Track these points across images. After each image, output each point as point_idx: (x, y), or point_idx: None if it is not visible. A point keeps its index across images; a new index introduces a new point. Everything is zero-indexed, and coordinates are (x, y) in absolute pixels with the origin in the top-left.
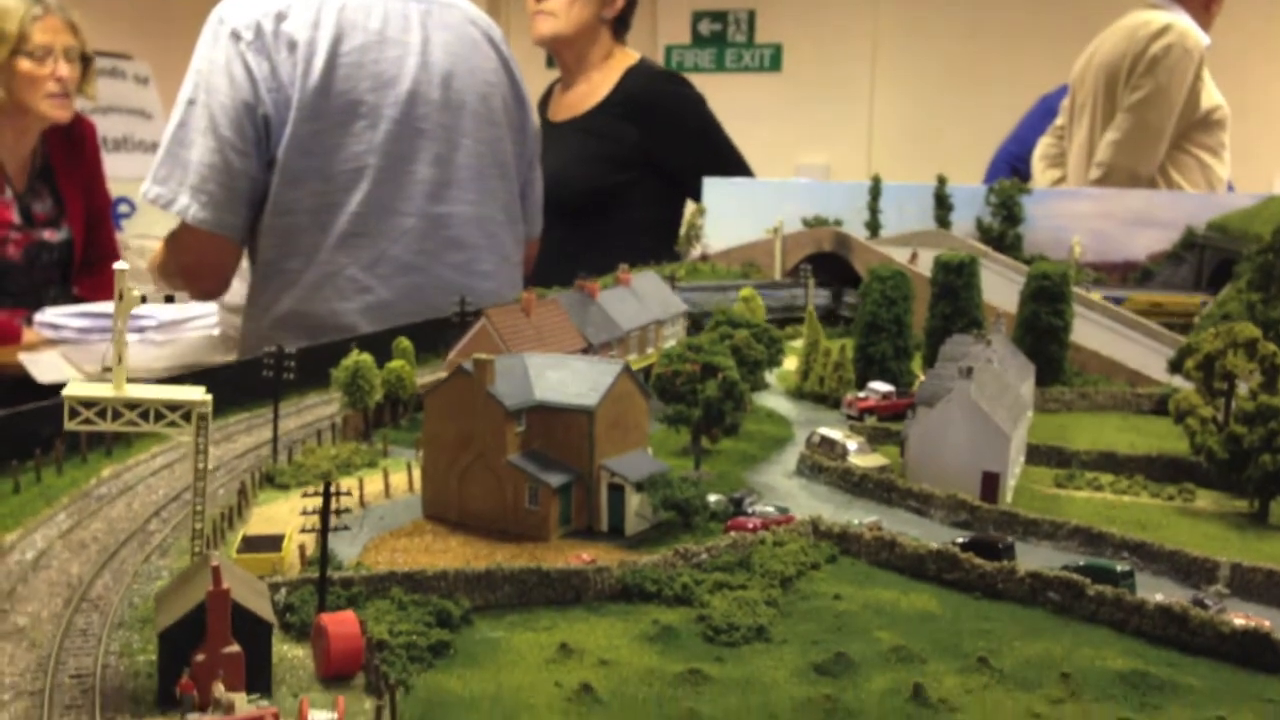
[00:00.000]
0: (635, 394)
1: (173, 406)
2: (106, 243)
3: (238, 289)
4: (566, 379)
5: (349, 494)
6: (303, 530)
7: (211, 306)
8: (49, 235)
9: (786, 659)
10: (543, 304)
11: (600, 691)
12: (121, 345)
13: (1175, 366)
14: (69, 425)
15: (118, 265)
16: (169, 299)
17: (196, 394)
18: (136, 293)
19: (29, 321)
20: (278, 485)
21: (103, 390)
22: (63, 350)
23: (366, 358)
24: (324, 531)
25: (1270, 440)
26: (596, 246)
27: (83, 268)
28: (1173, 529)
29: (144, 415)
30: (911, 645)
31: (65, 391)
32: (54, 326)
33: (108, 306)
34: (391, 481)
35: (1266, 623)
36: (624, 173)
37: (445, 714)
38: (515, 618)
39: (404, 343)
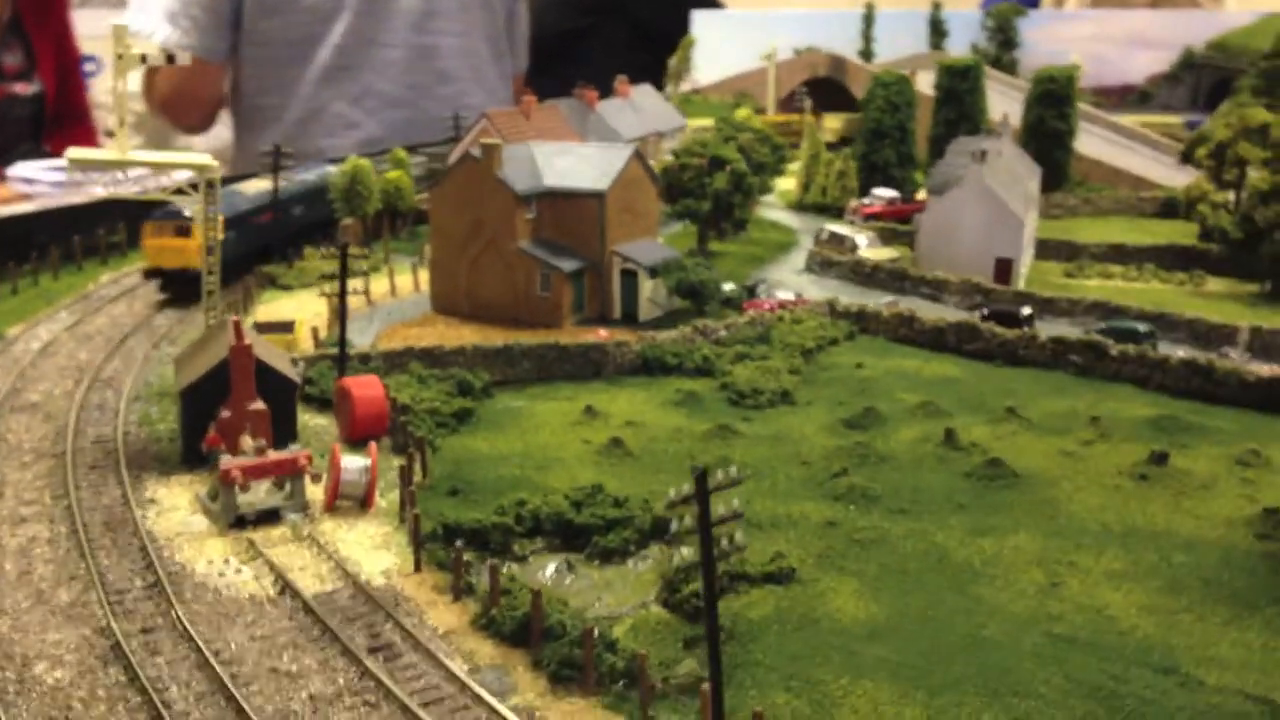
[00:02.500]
0: (645, 180)
1: (178, 169)
2: (76, 98)
3: (221, 134)
4: (575, 165)
5: (367, 274)
6: (321, 294)
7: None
8: (20, 88)
9: (814, 417)
10: (542, 109)
11: (630, 446)
12: (123, 109)
13: (1186, 156)
14: (101, 193)
15: (117, 22)
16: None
17: (203, 158)
18: (135, 50)
19: (1, 177)
20: (280, 286)
21: (107, 154)
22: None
23: (364, 163)
24: (342, 295)
25: None
26: (569, 93)
27: (54, 123)
28: (1187, 308)
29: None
30: (938, 402)
31: (69, 153)
32: (29, 180)
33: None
34: (396, 283)
35: None
36: (588, 17)
37: (475, 468)
38: (536, 390)
39: (400, 153)
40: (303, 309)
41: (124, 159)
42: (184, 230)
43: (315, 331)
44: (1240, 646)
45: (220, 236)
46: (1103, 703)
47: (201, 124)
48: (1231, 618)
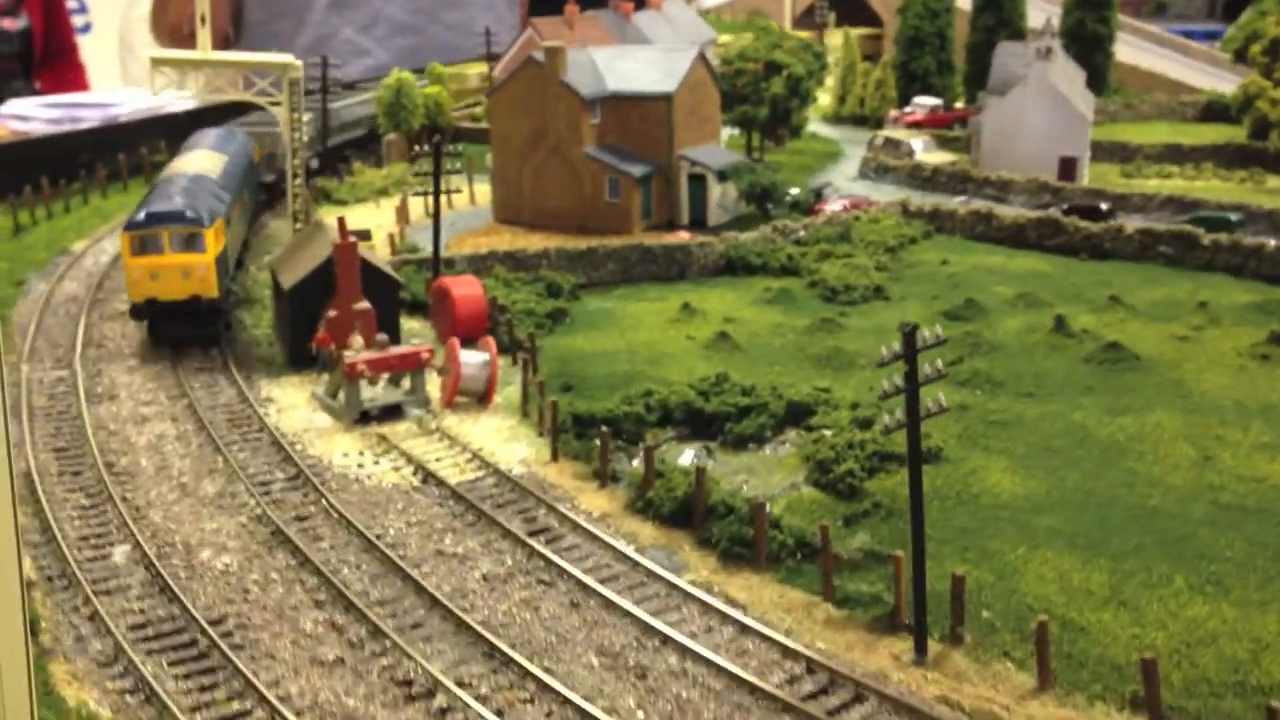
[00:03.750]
0: (709, 84)
1: (259, 71)
2: (64, 35)
3: None
4: (639, 68)
5: (461, 171)
6: (415, 193)
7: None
8: (8, 24)
9: (912, 311)
10: (584, 18)
11: (737, 340)
12: (205, 5)
13: (1240, 55)
14: (188, 94)
15: None
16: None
17: (286, 57)
18: None
19: None
20: (335, 201)
21: (189, 53)
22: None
23: (408, 76)
24: (436, 192)
25: None
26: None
27: (43, 60)
28: (1255, 203)
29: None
30: (1035, 293)
31: (149, 53)
32: (23, 118)
33: (77, 97)
34: (452, 198)
35: None
36: None
37: (583, 365)
38: (622, 292)
39: (438, 68)
40: (364, 221)
41: (206, 58)
42: (192, 241)
43: (392, 238)
44: None
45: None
46: None
47: None
48: None
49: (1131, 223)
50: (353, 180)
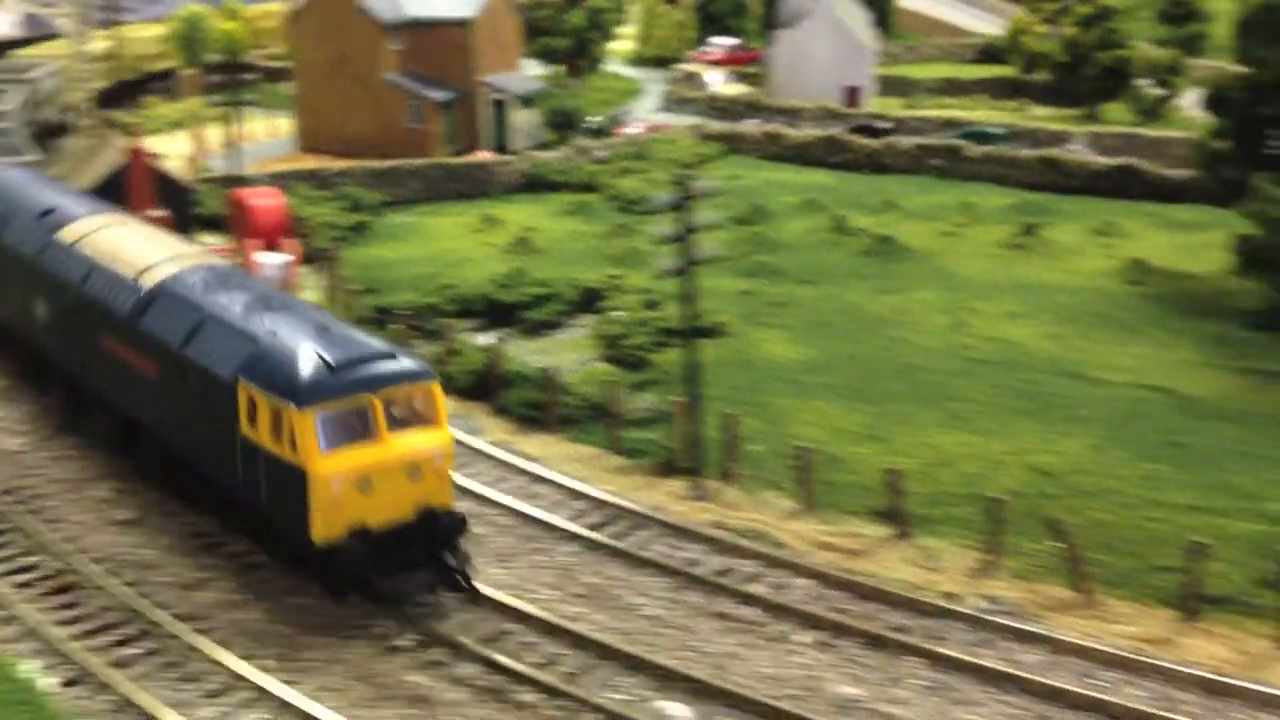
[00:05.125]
0: (506, 11)
1: None
2: None
3: None
4: None
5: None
6: (213, 119)
7: None
8: None
9: (704, 216)
10: None
11: (536, 244)
12: None
13: None
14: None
15: None
16: None
17: None
18: None
19: None
20: (129, 133)
21: None
22: None
23: (202, 9)
24: (236, 105)
25: (1105, 41)
26: None
27: None
28: (1019, 124)
29: None
30: (819, 201)
31: None
32: None
33: None
34: (252, 129)
35: (1133, 160)
36: None
37: (386, 271)
38: (425, 208)
39: (235, 4)
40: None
41: None
42: (423, 409)
43: (191, 159)
44: (1133, 357)
45: None
46: (1025, 399)
47: None
48: (1120, 339)
49: (908, 140)
50: (145, 113)
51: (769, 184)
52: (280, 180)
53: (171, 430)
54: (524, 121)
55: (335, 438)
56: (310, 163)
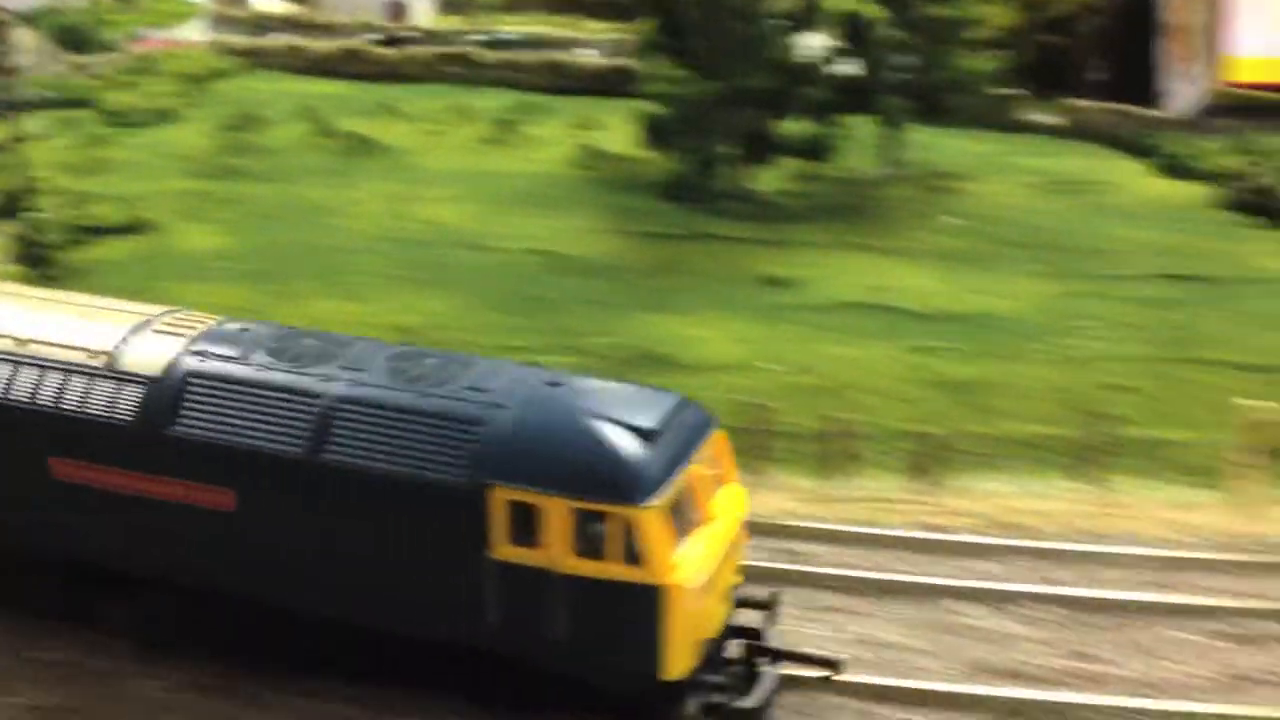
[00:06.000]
0: None
1: None
2: None
3: None
4: None
5: None
6: None
7: None
8: None
9: (193, 126)
10: None
11: None
12: None
13: None
14: None
15: None
16: None
17: None
18: None
19: None
20: None
21: None
22: None
23: None
24: None
25: None
26: None
27: None
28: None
29: None
30: (320, 109)
31: None
32: None
33: None
34: None
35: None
36: None
37: None
38: None
39: None
40: None
41: None
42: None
43: None
44: (542, 228)
45: None
46: (418, 270)
47: None
48: (541, 214)
49: (427, 49)
50: None
51: (281, 95)
52: None
53: (266, 580)
54: (33, 40)
55: (679, 532)
56: None
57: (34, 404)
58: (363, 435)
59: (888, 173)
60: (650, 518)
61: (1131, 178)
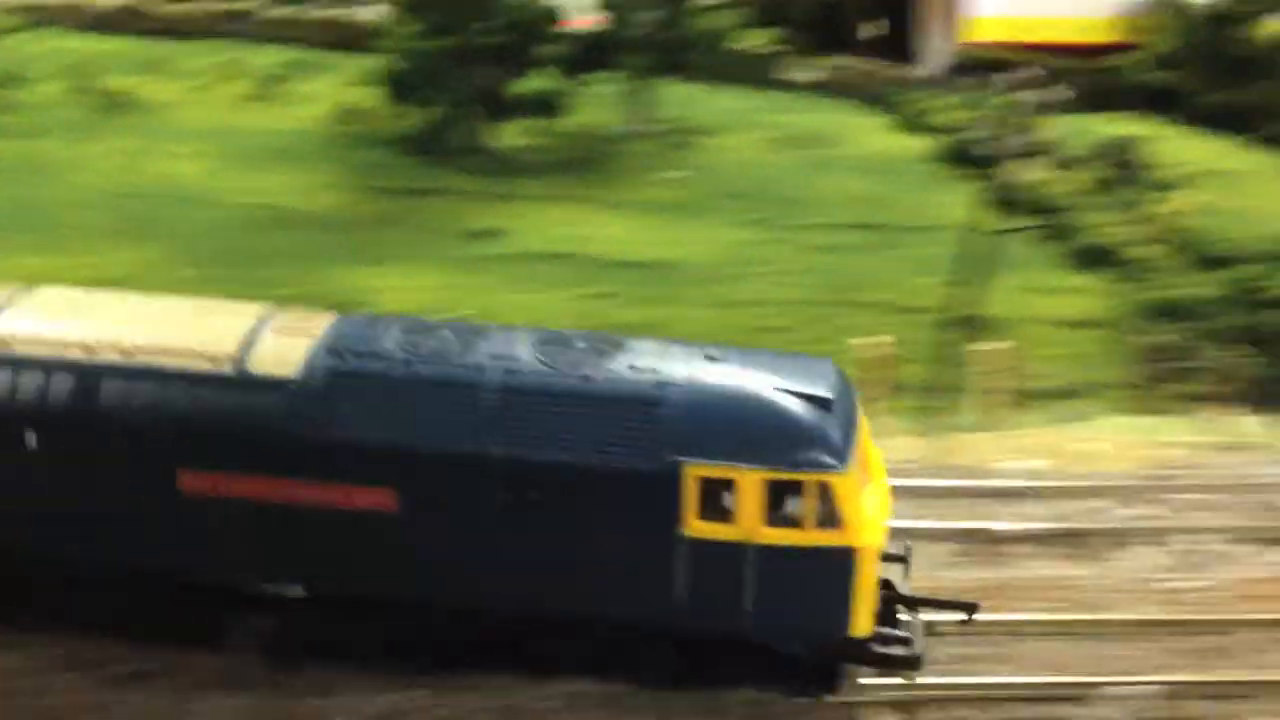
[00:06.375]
0: None
1: None
2: None
3: None
4: None
5: None
6: None
7: None
8: None
9: None
10: None
11: None
12: None
13: None
14: None
15: None
16: None
17: None
18: None
19: None
20: None
21: None
22: None
23: None
24: None
25: None
26: None
27: None
28: None
29: None
30: (90, 66)
31: None
32: None
33: None
34: None
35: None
36: None
37: None
38: None
39: None
40: None
41: None
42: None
43: None
44: (277, 184)
45: None
46: (134, 224)
47: None
48: (285, 170)
49: (210, 6)
50: None
51: (53, 52)
52: None
53: (432, 579)
54: None
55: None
56: None
57: (158, 415)
58: (536, 424)
59: (634, 129)
60: (847, 483)
61: (869, 133)
